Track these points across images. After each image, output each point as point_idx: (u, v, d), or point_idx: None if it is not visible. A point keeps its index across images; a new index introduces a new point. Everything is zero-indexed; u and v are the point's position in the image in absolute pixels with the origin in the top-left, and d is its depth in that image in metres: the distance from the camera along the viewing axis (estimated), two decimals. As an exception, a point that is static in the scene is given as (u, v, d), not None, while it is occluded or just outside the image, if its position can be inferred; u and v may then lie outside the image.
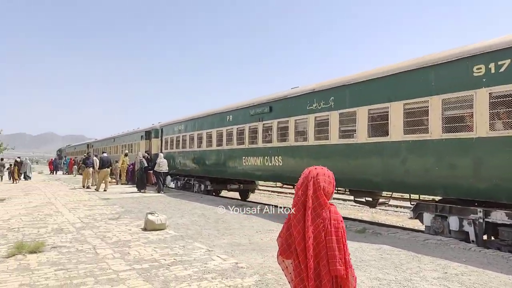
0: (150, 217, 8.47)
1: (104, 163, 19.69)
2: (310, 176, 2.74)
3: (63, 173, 39.44)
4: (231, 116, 14.86)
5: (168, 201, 14.18)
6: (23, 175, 30.62)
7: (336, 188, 10.99)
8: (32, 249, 6.49)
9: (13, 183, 26.91)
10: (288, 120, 11.81)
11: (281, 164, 12.13)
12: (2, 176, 30.18)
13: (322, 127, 10.56)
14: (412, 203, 9.06)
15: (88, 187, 19.87)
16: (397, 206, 15.26)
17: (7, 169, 30.99)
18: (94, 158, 20.81)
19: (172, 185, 21.62)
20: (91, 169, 20.02)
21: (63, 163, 42.10)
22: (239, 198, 18.79)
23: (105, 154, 20.32)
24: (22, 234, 8.14)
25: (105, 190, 19.07)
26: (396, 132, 8.58)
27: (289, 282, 2.86)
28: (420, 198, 9.55)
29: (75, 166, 36.62)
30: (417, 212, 8.61)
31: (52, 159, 46.87)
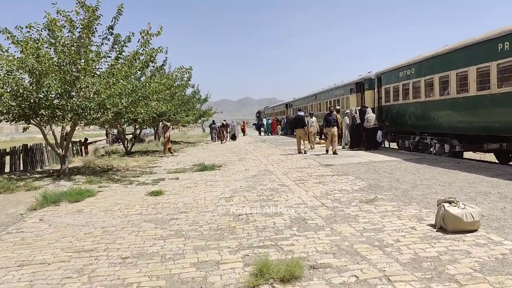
0: (451, 209, 4.91)
1: (297, 122, 17.10)
2: None
3: (264, 134, 39.66)
4: (508, 42, 9.94)
5: (414, 169, 10.47)
6: (230, 136, 31.67)
7: None
8: (284, 275, 3.71)
9: (221, 143, 28.64)
10: None
11: None
12: (215, 138, 32.00)
13: None
14: None
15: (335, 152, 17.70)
16: None
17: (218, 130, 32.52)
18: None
19: (385, 144, 17.93)
20: (334, 128, 16.08)
21: (265, 124, 42.41)
22: (496, 161, 13.78)
23: (300, 113, 17.72)
24: (254, 227, 5.65)
25: (304, 152, 16.58)
26: None
27: None
28: None
29: (279, 127, 36.14)
30: None
31: (244, 122, 48.42)
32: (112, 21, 12.38)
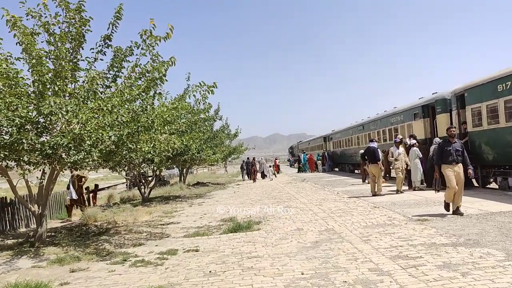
0: None
1: (369, 156, 13.36)
2: None
3: (304, 171, 35.51)
4: None
5: None
6: (260, 174, 28.61)
7: None
8: None
9: (253, 182, 26.68)
10: None
11: None
12: (243, 176, 29.79)
13: None
14: None
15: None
16: None
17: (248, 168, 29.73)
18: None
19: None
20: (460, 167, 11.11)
21: (300, 160, 38.24)
22: None
23: (373, 144, 13.66)
24: None
25: (373, 195, 12.87)
26: None
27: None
28: None
29: (320, 162, 32.08)
30: None
31: (276, 159, 43.54)
32: (108, 28, 9.02)
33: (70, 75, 7.85)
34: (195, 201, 16.51)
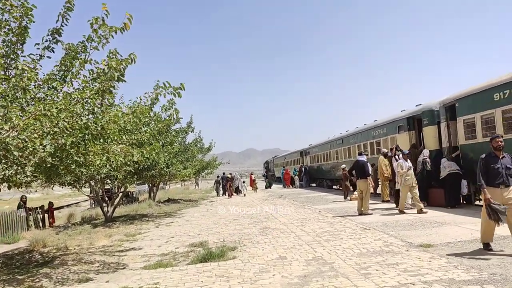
0: None
1: (358, 171, 12.24)
2: None
3: (283, 187, 34.26)
4: None
5: None
6: (234, 189, 27.05)
7: None
8: None
9: (228, 197, 26.16)
10: None
11: None
12: (218, 192, 28.41)
13: None
14: None
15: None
16: None
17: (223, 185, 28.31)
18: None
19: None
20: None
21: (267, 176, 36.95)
22: None
23: (361, 158, 12.49)
24: None
25: (361, 214, 11.87)
26: None
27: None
28: None
29: (296, 177, 30.87)
30: None
31: (252, 175, 39.58)
32: (57, 21, 7.59)
33: (2, 73, 6.36)
34: (163, 221, 14.94)
